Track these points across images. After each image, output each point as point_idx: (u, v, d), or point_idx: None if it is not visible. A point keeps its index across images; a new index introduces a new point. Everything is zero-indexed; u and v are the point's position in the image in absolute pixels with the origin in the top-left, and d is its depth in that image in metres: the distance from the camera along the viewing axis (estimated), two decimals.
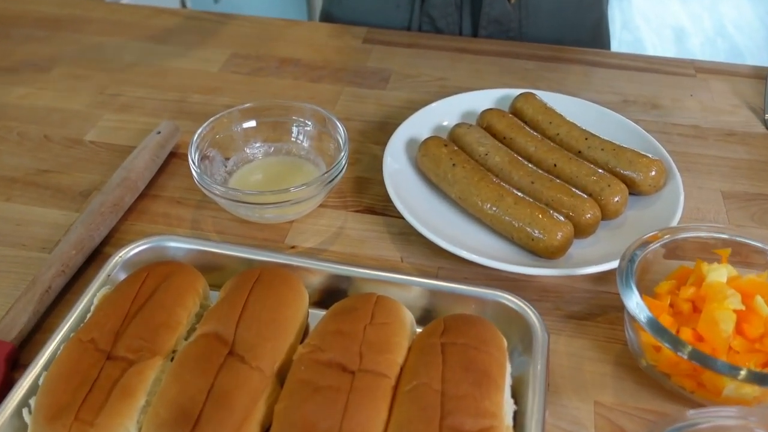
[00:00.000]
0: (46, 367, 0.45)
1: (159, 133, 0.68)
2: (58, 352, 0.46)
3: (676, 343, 0.45)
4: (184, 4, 1.34)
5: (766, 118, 0.75)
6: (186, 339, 0.48)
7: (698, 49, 3.40)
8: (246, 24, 0.93)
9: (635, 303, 0.47)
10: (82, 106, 0.77)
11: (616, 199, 0.59)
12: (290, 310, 0.48)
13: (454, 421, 0.40)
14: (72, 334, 0.46)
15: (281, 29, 0.92)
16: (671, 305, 0.50)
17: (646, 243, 0.50)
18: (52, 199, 0.65)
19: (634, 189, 0.61)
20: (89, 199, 0.64)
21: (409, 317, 0.49)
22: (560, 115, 0.67)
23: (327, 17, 0.98)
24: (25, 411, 0.43)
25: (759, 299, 0.48)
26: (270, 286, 0.49)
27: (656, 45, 3.44)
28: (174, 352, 0.46)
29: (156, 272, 0.50)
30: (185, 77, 0.82)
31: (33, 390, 0.44)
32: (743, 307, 0.47)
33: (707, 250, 0.52)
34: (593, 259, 0.56)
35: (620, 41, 3.51)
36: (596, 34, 0.96)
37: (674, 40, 3.48)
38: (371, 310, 0.47)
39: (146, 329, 0.46)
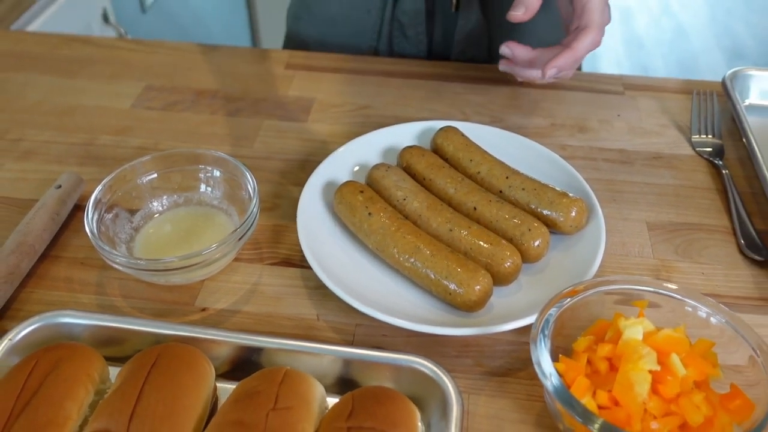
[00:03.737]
0: None
1: (59, 187, 0.64)
2: None
3: (586, 417, 0.43)
4: (106, 18, 1.28)
5: (692, 138, 0.74)
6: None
7: (644, 30, 3.42)
8: (161, 51, 0.88)
9: (547, 373, 0.45)
10: None
11: (536, 243, 0.57)
12: (190, 398, 0.45)
13: None
14: None
15: (199, 55, 0.87)
16: (589, 362, 0.48)
17: (561, 301, 0.49)
18: None
19: (555, 229, 0.60)
20: None
21: (318, 393, 0.47)
22: (482, 151, 0.65)
23: (293, 37, 0.95)
24: None
25: (674, 358, 0.46)
26: (168, 372, 0.46)
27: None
28: None
29: (45, 359, 0.47)
30: (94, 116, 0.77)
31: None
32: (659, 367, 0.46)
33: (626, 301, 0.51)
34: (515, 309, 0.54)
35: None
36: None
37: (620, 21, 3.50)
38: (276, 393, 0.45)
39: (32, 427, 0.43)
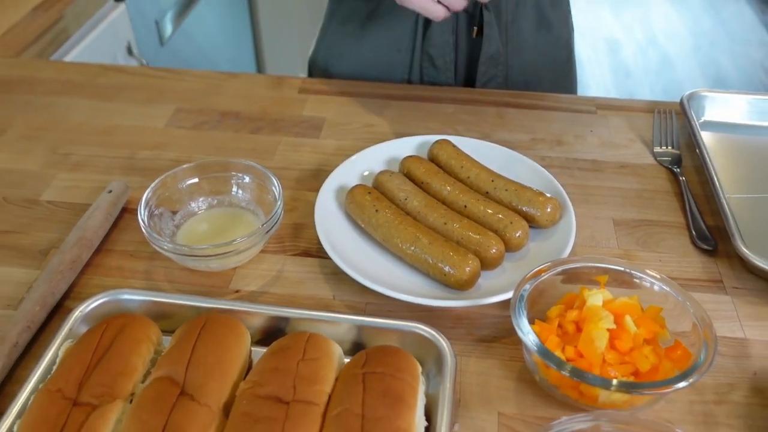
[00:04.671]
0: (18, 416, 0.52)
1: (110, 192, 0.75)
2: (29, 402, 0.52)
3: (559, 364, 0.54)
4: (130, 50, 1.40)
5: (654, 150, 0.86)
6: (142, 383, 0.55)
7: (631, 60, 3.58)
8: (189, 78, 1.00)
9: (526, 332, 0.56)
10: (36, 167, 0.83)
11: (518, 234, 0.68)
12: (233, 352, 0.55)
13: None
14: (41, 385, 0.53)
15: (222, 82, 0.99)
16: (559, 326, 0.59)
17: (534, 276, 0.59)
18: (14, 258, 0.71)
19: (534, 223, 0.71)
20: (48, 257, 0.71)
21: (337, 351, 0.57)
22: (471, 159, 0.76)
23: (323, 74, 1.06)
24: None
25: (628, 319, 0.57)
26: (214, 332, 0.56)
27: (591, 57, 3.61)
28: (132, 395, 0.53)
29: (113, 325, 0.57)
30: (133, 134, 0.88)
31: None
32: (615, 326, 0.56)
33: (591, 277, 0.62)
34: (499, 288, 0.64)
35: None
36: (567, 70, 1.08)
37: (608, 52, 3.65)
38: (303, 347, 0.55)
39: (106, 377, 0.53)
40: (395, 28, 0.98)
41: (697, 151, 0.82)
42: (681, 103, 0.89)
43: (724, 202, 0.73)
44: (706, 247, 0.72)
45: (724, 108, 0.90)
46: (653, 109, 0.92)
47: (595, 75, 3.48)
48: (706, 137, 0.84)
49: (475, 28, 0.95)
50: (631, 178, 0.82)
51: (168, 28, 1.60)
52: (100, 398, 0.51)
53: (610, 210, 0.77)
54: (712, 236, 0.73)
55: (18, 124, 0.90)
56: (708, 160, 0.79)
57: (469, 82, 1.02)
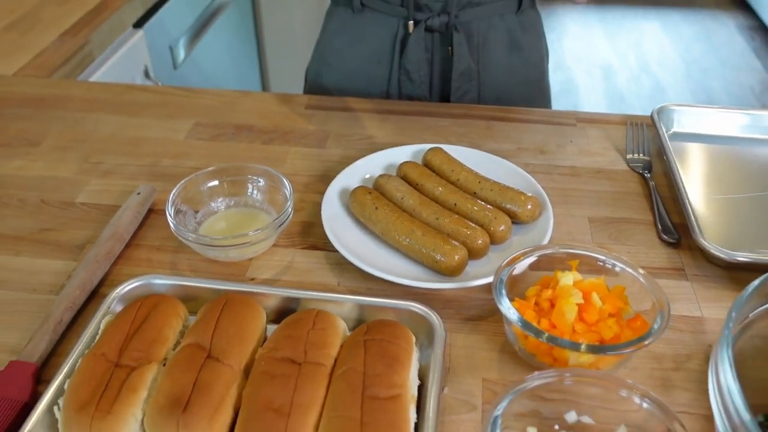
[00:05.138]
0: (67, 376, 0.60)
1: (139, 194, 0.84)
2: (77, 365, 0.61)
3: (537, 332, 0.62)
4: (147, 73, 1.50)
5: (627, 157, 0.95)
6: (173, 349, 0.63)
7: (625, 85, 3.69)
8: (206, 96, 1.09)
9: (507, 307, 0.64)
10: (70, 174, 0.92)
11: (501, 228, 0.77)
12: (251, 325, 0.64)
13: (372, 392, 0.56)
14: (86, 351, 0.61)
15: (236, 99, 1.09)
16: (536, 304, 0.67)
17: (512, 261, 0.68)
18: (54, 252, 0.79)
19: (516, 219, 0.79)
20: (84, 251, 0.79)
21: (342, 325, 0.65)
22: (460, 164, 0.85)
23: (315, 89, 1.16)
24: (55, 408, 0.58)
25: (595, 295, 0.65)
26: (235, 309, 0.65)
27: (587, 83, 3.73)
28: (165, 359, 0.62)
29: (147, 303, 0.66)
30: (156, 145, 0.98)
31: (59, 393, 0.59)
32: (583, 302, 0.65)
33: (564, 262, 0.70)
34: (484, 274, 0.73)
35: (553, 81, 3.76)
36: (540, 90, 1.18)
37: (603, 78, 3.77)
38: (313, 320, 0.64)
39: (143, 344, 0.61)
40: (376, 42, 1.08)
41: (665, 158, 0.91)
42: (651, 116, 0.98)
43: (687, 202, 0.82)
44: (670, 240, 0.80)
45: (690, 120, 0.99)
46: (627, 121, 1.02)
47: (590, 100, 3.59)
48: (674, 146, 0.93)
49: (450, 48, 1.05)
50: (605, 182, 0.91)
51: (181, 54, 1.71)
52: (138, 361, 0.60)
53: (585, 209, 0.86)
54: (676, 231, 0.81)
55: (52, 137, 0.99)
56: (674, 165, 0.88)
57: (445, 96, 1.11)
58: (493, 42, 1.08)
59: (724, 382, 0.52)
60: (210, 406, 0.56)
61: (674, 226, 0.82)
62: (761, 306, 0.60)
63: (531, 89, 1.15)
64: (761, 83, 3.76)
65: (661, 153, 0.93)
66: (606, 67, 3.93)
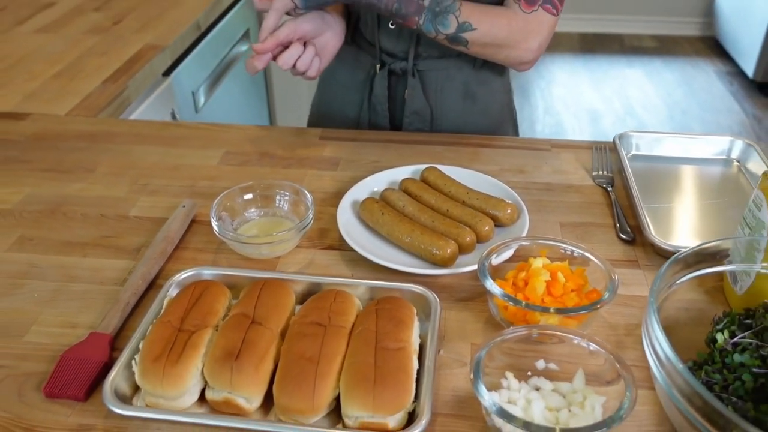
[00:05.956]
0: (139, 340, 0.75)
1: (184, 206, 1.00)
2: (148, 331, 0.76)
3: (516, 301, 0.78)
4: (173, 115, 1.69)
5: (593, 174, 1.12)
6: (223, 319, 0.79)
7: (610, 128, 3.91)
8: (232, 130, 1.27)
9: (491, 283, 0.80)
10: (123, 193, 1.09)
11: (486, 228, 0.93)
12: (285, 300, 0.80)
13: (383, 345, 0.72)
14: (154, 320, 0.77)
15: (259, 132, 1.26)
16: (513, 283, 0.83)
17: (494, 250, 0.85)
18: (115, 254, 0.96)
19: (498, 222, 0.96)
20: (140, 253, 0.96)
21: (357, 301, 0.81)
22: (452, 179, 1.02)
23: (316, 102, 1.39)
24: (133, 362, 0.73)
25: (560, 274, 0.81)
26: (271, 288, 0.81)
27: (575, 126, 3.94)
28: (217, 326, 0.77)
29: (200, 285, 0.82)
30: (193, 170, 1.15)
31: (133, 352, 0.74)
32: (550, 279, 0.81)
33: (536, 252, 0.87)
34: (472, 264, 0.89)
35: (543, 125, 4.01)
36: (502, 120, 1.33)
37: (590, 122, 3.99)
38: (334, 296, 0.79)
39: (199, 315, 0.77)
40: (354, 75, 1.29)
41: (624, 174, 1.08)
42: (614, 140, 1.16)
43: (641, 208, 0.99)
44: (626, 238, 0.97)
45: (646, 144, 1.17)
46: (593, 146, 1.19)
47: None
48: (632, 165, 1.11)
49: (406, 90, 1.24)
50: (574, 194, 1.08)
51: (202, 99, 1.90)
52: (196, 327, 0.75)
53: (557, 216, 1.03)
54: (631, 231, 0.98)
55: (104, 165, 1.17)
56: (631, 179, 1.05)
57: (401, 129, 1.30)
58: (449, 90, 1.25)
59: (654, 335, 0.67)
60: (256, 357, 0.72)
61: (630, 228, 0.99)
62: (679, 278, 0.77)
63: (493, 122, 1.31)
64: (739, 124, 3.98)
65: (621, 170, 1.10)
66: (592, 111, 4.15)
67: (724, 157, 1.16)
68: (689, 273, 0.78)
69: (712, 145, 1.17)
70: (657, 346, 0.67)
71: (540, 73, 4.61)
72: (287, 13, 1.06)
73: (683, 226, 1.01)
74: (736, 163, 1.15)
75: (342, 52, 1.24)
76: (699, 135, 1.17)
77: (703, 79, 4.54)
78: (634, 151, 1.17)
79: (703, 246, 0.78)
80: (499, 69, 1.28)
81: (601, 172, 1.12)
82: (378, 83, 1.25)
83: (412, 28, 1.08)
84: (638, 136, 1.18)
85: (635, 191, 1.03)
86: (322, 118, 1.38)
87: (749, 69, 4.35)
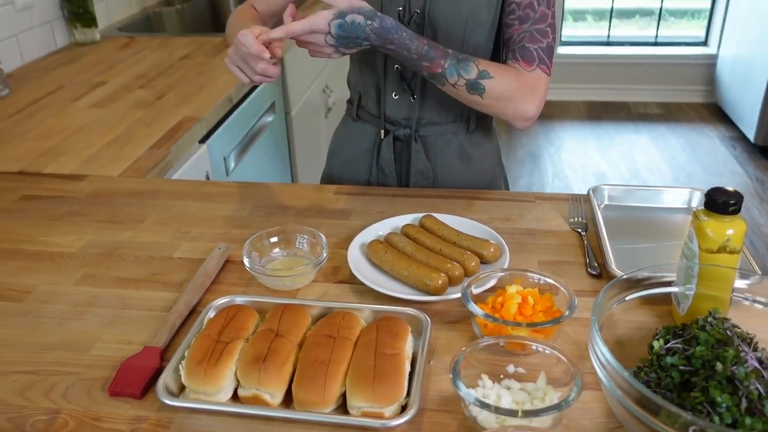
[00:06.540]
0: (184, 350, 0.93)
1: (219, 248, 1.20)
2: (191, 342, 0.94)
3: (494, 318, 0.95)
4: (207, 177, 1.91)
5: (570, 221, 1.30)
6: (252, 334, 0.96)
7: None
8: (260, 188, 1.48)
9: (472, 306, 0.97)
10: (168, 239, 1.29)
11: (472, 264, 1.11)
12: (303, 319, 0.97)
13: (381, 351, 0.89)
14: (197, 334, 0.95)
15: (282, 189, 1.47)
16: (492, 306, 1.00)
17: (476, 279, 1.02)
18: (162, 287, 1.14)
19: (483, 259, 1.13)
20: (183, 286, 1.14)
21: (362, 321, 0.99)
22: (446, 225, 1.21)
23: (327, 173, 1.59)
24: (180, 366, 0.91)
25: (530, 298, 0.98)
26: (292, 310, 0.98)
27: (582, 189, 4.12)
28: (248, 339, 0.95)
29: (233, 308, 1.00)
30: (227, 220, 1.35)
31: (179, 359, 0.92)
32: (522, 301, 0.98)
33: (512, 280, 1.04)
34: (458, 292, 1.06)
35: (552, 188, 4.19)
36: (494, 176, 1.53)
37: (597, 183, 4.16)
38: (343, 316, 0.97)
39: (233, 330, 0.95)
40: (363, 143, 1.50)
41: (595, 221, 1.26)
42: (588, 193, 1.34)
43: (608, 247, 1.16)
44: (593, 272, 1.14)
45: (616, 195, 1.35)
46: (570, 197, 1.37)
47: None
48: (604, 214, 1.28)
49: (411, 152, 1.45)
50: (552, 238, 1.26)
51: (232, 163, 2.13)
52: (231, 338, 0.93)
53: (536, 256, 1.20)
54: (598, 267, 1.15)
55: (151, 217, 1.37)
56: (601, 225, 1.23)
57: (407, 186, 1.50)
58: (447, 152, 1.46)
59: (597, 346, 0.83)
60: (279, 361, 0.89)
61: (598, 264, 1.16)
62: (621, 299, 0.93)
63: (485, 179, 1.51)
64: (742, 186, 4.13)
65: (593, 218, 1.28)
66: (600, 174, 4.34)
67: (686, 206, 1.34)
68: (629, 294, 0.94)
69: (675, 196, 1.34)
70: (598, 351, 0.83)
71: (550, 140, 4.83)
72: (314, 31, 1.13)
73: (644, 263, 1.17)
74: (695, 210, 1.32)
75: (348, 129, 1.46)
76: (663, 187, 1.35)
77: (707, 144, 4.72)
78: (607, 202, 1.35)
79: (633, 274, 0.94)
80: (488, 133, 1.48)
81: (576, 219, 1.30)
82: (385, 148, 1.45)
83: (436, 71, 1.20)
84: (610, 189, 1.36)
85: (603, 234, 1.20)
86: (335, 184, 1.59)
87: (750, 133, 4.54)
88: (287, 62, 2.63)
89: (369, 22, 1.13)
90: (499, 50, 1.37)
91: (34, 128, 1.83)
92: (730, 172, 4.31)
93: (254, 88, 2.32)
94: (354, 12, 1.12)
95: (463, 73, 1.21)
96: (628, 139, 4.81)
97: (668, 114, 5.23)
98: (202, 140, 1.92)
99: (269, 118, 2.49)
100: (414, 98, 1.39)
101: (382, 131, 1.45)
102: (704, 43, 5.37)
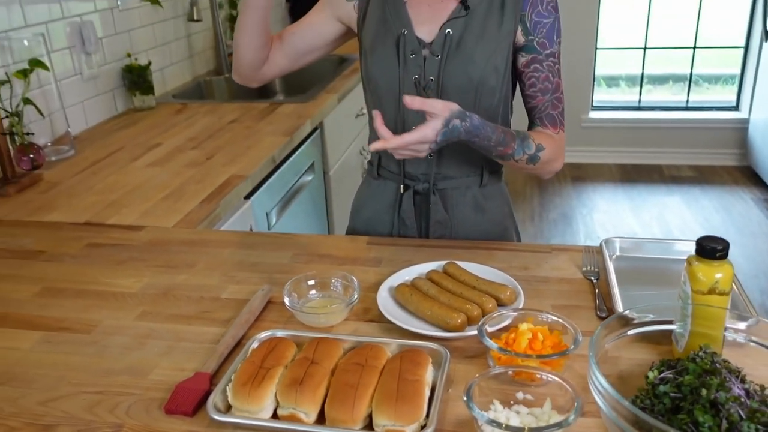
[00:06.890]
0: (231, 374, 1.06)
1: (263, 290, 1.34)
2: (237, 367, 1.07)
3: (505, 351, 1.05)
4: (251, 230, 2.07)
5: (582, 269, 1.40)
6: (291, 361, 1.09)
7: None
8: (300, 238, 1.62)
9: (487, 341, 1.08)
10: (216, 282, 1.43)
11: (489, 306, 1.22)
12: (335, 350, 1.09)
13: (404, 377, 1.00)
14: (242, 361, 1.08)
15: (320, 240, 1.61)
16: (505, 342, 1.11)
17: (491, 318, 1.13)
18: (211, 323, 1.28)
19: (500, 302, 1.25)
20: (230, 323, 1.28)
21: (388, 352, 1.10)
22: (467, 271, 1.33)
23: (352, 229, 1.73)
24: (227, 387, 1.03)
25: (539, 334, 1.09)
26: (325, 342, 1.11)
27: None
28: (287, 366, 1.07)
29: (274, 340, 1.13)
30: (270, 266, 1.49)
31: (227, 382, 1.05)
32: (532, 337, 1.08)
33: (524, 319, 1.15)
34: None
35: None
36: (506, 226, 1.66)
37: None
38: (371, 348, 1.09)
39: (275, 358, 1.07)
40: (385, 199, 1.64)
41: (606, 270, 1.36)
42: (600, 245, 1.45)
43: (616, 293, 1.26)
44: (602, 315, 1.24)
45: (627, 247, 1.46)
46: (584, 249, 1.48)
47: None
48: (617, 263, 1.39)
49: (430, 205, 1.58)
50: (566, 285, 1.36)
51: (274, 219, 2.29)
52: (272, 365, 1.06)
53: (550, 300, 1.31)
54: (607, 310, 1.25)
55: (202, 263, 1.52)
56: (610, 273, 1.33)
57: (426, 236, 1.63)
58: (462, 204, 1.60)
59: (595, 377, 0.93)
60: (313, 384, 1.01)
61: (606, 308, 1.26)
62: (617, 336, 1.03)
63: (497, 230, 1.64)
64: None
65: (605, 267, 1.38)
66: (632, 235, 4.39)
67: None
68: (629, 330, 1.04)
69: (683, 248, 1.44)
70: (596, 380, 0.93)
71: (582, 202, 4.92)
72: (423, 142, 1.25)
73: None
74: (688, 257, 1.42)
75: (369, 188, 1.60)
76: (671, 240, 1.45)
77: (741, 206, 4.75)
78: (618, 253, 1.46)
79: (622, 313, 1.04)
80: (500, 186, 1.63)
81: (589, 268, 1.41)
82: (406, 201, 1.60)
83: (507, 153, 1.39)
84: (621, 241, 1.47)
85: (613, 281, 1.31)
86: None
87: None
88: (326, 126, 2.83)
89: (463, 123, 1.28)
90: (508, 112, 1.54)
91: (98, 184, 2.03)
92: (764, 234, 4.32)
93: (296, 149, 2.51)
94: (453, 117, 1.26)
95: (527, 150, 1.41)
96: (661, 201, 4.87)
97: (701, 176, 5.28)
98: (247, 196, 2.09)
99: (309, 177, 2.67)
100: (431, 156, 1.54)
101: (402, 186, 1.59)
102: (736, 108, 5.45)
